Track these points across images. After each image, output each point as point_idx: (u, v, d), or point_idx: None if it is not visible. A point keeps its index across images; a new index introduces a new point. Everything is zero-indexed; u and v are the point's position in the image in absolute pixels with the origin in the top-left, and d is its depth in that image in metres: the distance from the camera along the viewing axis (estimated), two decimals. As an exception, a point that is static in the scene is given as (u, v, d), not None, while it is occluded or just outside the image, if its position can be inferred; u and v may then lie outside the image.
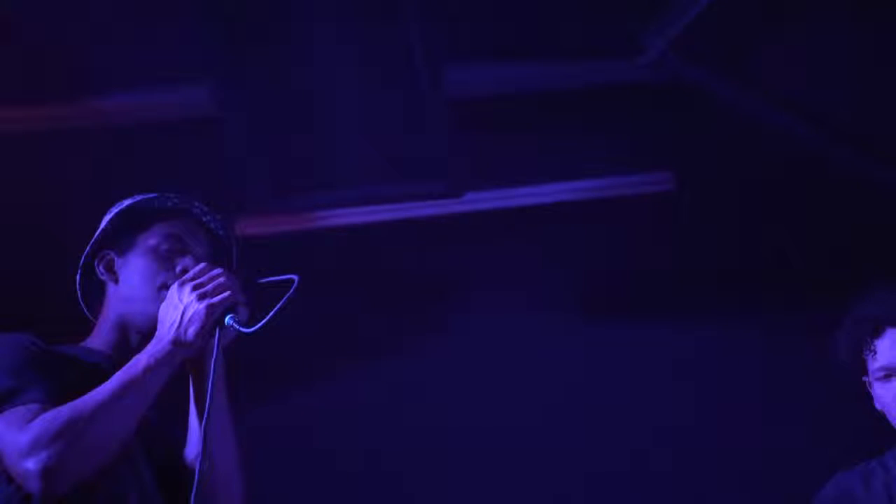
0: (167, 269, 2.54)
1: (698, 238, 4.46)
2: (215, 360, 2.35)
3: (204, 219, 2.66)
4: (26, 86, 3.85)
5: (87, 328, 2.62)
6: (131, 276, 2.56)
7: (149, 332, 2.46)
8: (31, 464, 2.19)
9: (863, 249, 4.46)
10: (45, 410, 2.24)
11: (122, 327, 2.55)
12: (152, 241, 2.59)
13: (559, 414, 4.44)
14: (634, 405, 4.49)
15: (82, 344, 2.58)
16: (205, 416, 2.33)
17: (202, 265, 2.45)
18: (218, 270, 2.42)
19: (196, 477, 2.24)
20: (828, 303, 4.42)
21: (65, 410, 2.23)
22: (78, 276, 2.63)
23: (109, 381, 2.30)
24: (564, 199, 4.41)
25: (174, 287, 2.41)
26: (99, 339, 2.57)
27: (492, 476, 4.42)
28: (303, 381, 4.21)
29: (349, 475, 4.34)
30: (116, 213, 2.63)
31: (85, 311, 2.66)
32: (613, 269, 4.53)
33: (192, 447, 2.45)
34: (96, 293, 2.63)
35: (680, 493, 4.40)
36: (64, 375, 2.36)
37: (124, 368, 2.32)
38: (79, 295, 2.65)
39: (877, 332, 3.03)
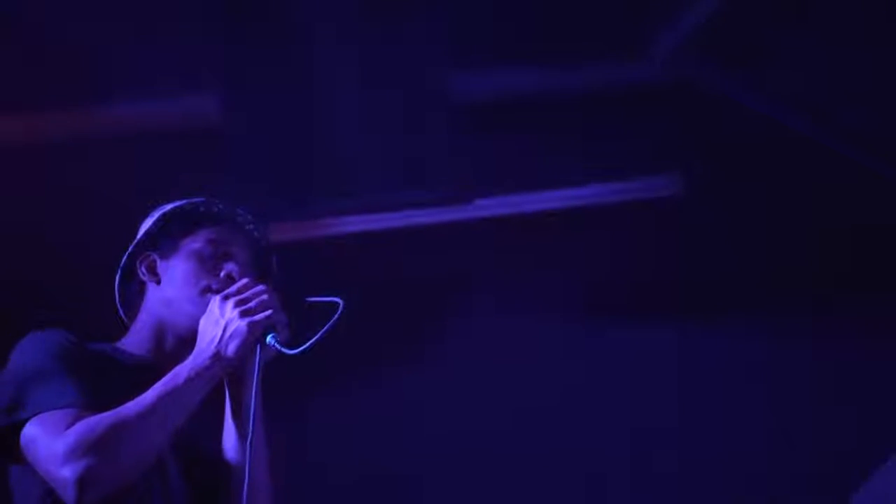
0: (211, 273, 2.54)
1: (705, 242, 4.44)
2: (257, 378, 2.35)
3: (247, 227, 2.66)
4: (30, 94, 3.83)
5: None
6: (174, 277, 2.55)
7: (187, 337, 2.47)
8: (68, 472, 2.18)
9: (873, 251, 4.46)
10: (81, 415, 2.23)
11: (160, 330, 2.55)
12: (196, 245, 2.58)
13: (565, 420, 4.44)
14: (639, 412, 4.49)
15: (117, 344, 2.58)
16: (249, 433, 2.33)
17: (246, 280, 2.44)
18: (261, 287, 2.41)
19: (244, 495, 2.24)
20: (835, 306, 4.48)
21: (104, 420, 2.22)
22: (117, 277, 2.62)
23: (149, 392, 2.29)
24: (572, 204, 4.40)
25: (216, 300, 2.40)
26: (135, 340, 2.57)
27: (497, 481, 4.43)
28: (309, 389, 4.20)
29: (354, 482, 4.34)
30: (161, 215, 2.62)
31: (121, 312, 2.65)
32: (619, 275, 4.52)
33: (227, 460, 2.45)
34: (134, 294, 2.62)
35: (684, 498, 4.42)
36: (100, 377, 2.36)
37: (164, 380, 2.32)
38: (116, 296, 2.64)
39: None
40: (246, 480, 2.27)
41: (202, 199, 2.64)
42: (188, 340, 2.46)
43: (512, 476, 4.43)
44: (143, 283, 2.61)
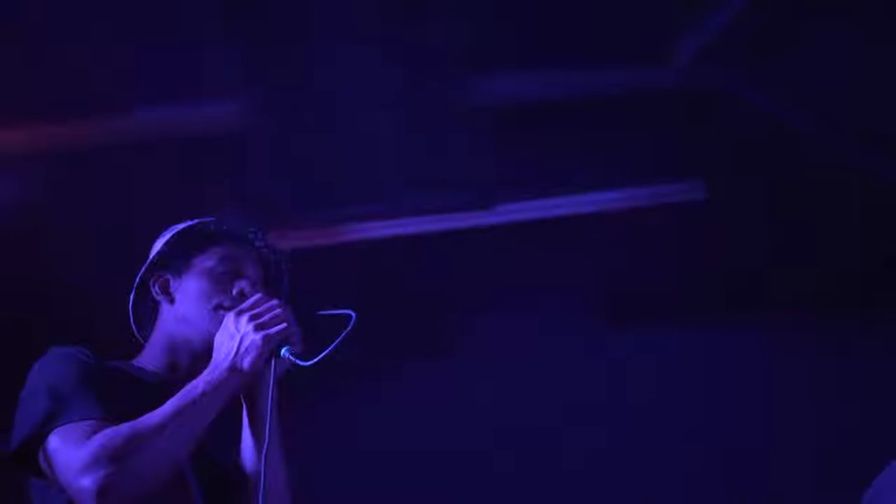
0: (223, 290, 2.59)
1: (727, 246, 4.48)
2: (272, 391, 2.39)
3: (257, 244, 2.70)
4: (50, 104, 3.87)
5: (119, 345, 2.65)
6: (187, 296, 2.61)
7: (202, 354, 2.52)
8: (88, 482, 2.22)
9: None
10: (101, 427, 2.28)
11: (175, 348, 2.59)
12: (209, 263, 2.63)
13: (589, 421, 4.48)
14: (664, 413, 4.51)
15: (133, 361, 2.63)
16: (264, 446, 2.37)
17: (259, 296, 2.49)
18: (274, 302, 2.47)
19: (260, 498, 2.28)
20: (861, 307, 4.50)
21: (123, 430, 2.27)
22: (131, 297, 2.67)
23: (167, 404, 2.34)
24: (594, 209, 4.42)
25: (231, 316, 2.45)
26: (150, 358, 2.61)
27: (515, 479, 4.47)
28: (327, 394, 4.24)
29: (372, 482, 4.37)
30: (173, 235, 2.67)
31: (135, 330, 2.69)
32: (639, 279, 4.55)
33: (244, 471, 2.50)
34: (148, 313, 2.67)
35: (708, 497, 4.42)
36: (118, 392, 2.41)
37: (181, 393, 2.37)
38: (131, 315, 2.68)
39: None
40: (261, 488, 2.31)
41: (212, 218, 2.69)
42: (202, 357, 2.51)
43: (533, 470, 4.48)
44: (156, 302, 2.66)
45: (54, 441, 2.30)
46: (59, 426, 2.30)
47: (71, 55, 3.67)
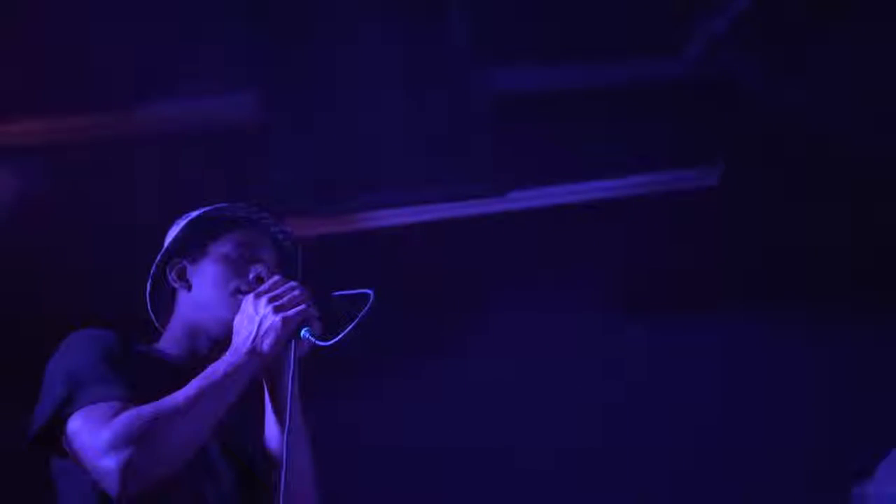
0: (240, 275, 2.61)
1: (743, 233, 4.48)
2: (292, 373, 2.40)
3: (272, 229, 2.72)
4: (67, 96, 3.87)
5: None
6: (204, 282, 2.62)
7: (221, 339, 2.54)
8: (111, 463, 2.23)
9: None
10: (124, 409, 2.29)
11: (194, 334, 2.61)
12: (224, 249, 2.65)
13: (600, 411, 4.47)
14: (677, 402, 4.51)
15: (154, 346, 2.64)
16: (286, 428, 2.38)
17: (277, 278, 2.51)
18: (292, 284, 2.48)
19: (281, 486, 2.29)
20: (877, 298, 4.50)
21: (146, 411, 2.28)
22: (148, 284, 2.68)
23: (188, 386, 2.36)
24: (607, 196, 4.43)
25: (249, 298, 2.47)
26: (170, 343, 2.63)
27: (530, 474, 4.46)
28: (342, 382, 4.24)
29: (387, 473, 4.37)
30: (188, 223, 2.68)
31: (153, 318, 2.71)
32: (653, 266, 4.55)
33: (269, 453, 2.52)
34: (165, 301, 2.68)
35: (727, 492, 4.43)
36: (141, 375, 2.42)
37: (202, 375, 2.38)
38: (148, 302, 2.69)
39: None
40: (283, 469, 2.33)
41: (226, 204, 2.70)
42: (222, 342, 2.53)
43: (547, 464, 4.46)
44: (173, 290, 2.67)
45: (76, 422, 2.31)
46: (81, 407, 2.31)
47: (73, 47, 3.67)
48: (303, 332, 2.43)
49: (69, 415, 2.32)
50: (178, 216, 2.71)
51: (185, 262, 2.66)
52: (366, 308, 2.43)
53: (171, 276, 2.66)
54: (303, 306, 2.44)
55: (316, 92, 3.98)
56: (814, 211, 4.41)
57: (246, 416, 2.56)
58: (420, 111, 4.04)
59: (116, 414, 2.28)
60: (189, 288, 2.64)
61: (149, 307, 2.70)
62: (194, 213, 2.70)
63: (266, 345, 2.41)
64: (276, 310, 2.42)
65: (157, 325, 2.70)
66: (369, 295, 2.45)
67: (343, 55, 3.90)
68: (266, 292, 2.46)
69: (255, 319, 2.43)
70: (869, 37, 3.95)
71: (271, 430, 2.52)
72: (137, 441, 2.24)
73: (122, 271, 3.48)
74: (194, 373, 2.41)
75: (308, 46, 3.86)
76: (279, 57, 3.89)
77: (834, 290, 4.53)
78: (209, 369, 2.40)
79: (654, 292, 4.62)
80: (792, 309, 4.55)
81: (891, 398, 4.42)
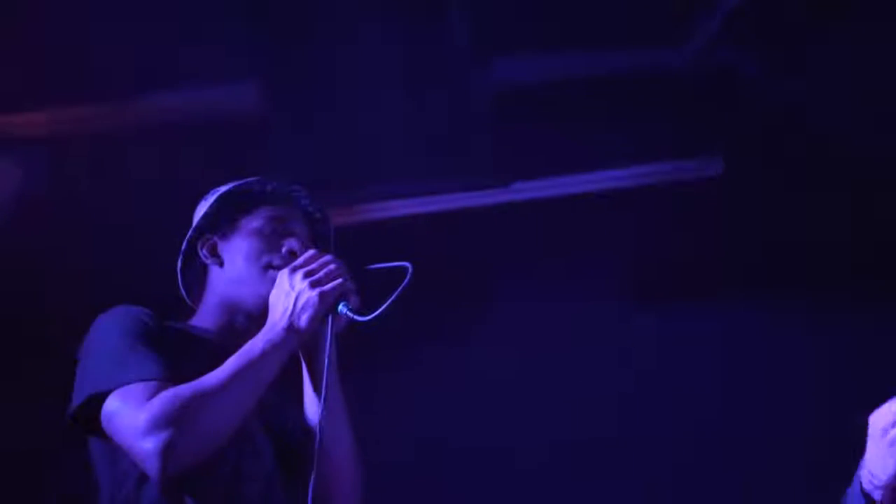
0: (273, 249, 2.56)
1: (745, 224, 4.45)
2: (329, 348, 2.36)
3: (303, 203, 2.68)
4: (71, 86, 3.82)
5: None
6: (236, 257, 2.57)
7: (254, 313, 2.50)
8: (151, 444, 2.20)
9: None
10: (162, 388, 2.26)
11: (228, 309, 2.57)
12: (256, 224, 2.60)
13: (609, 401, 4.41)
14: (684, 392, 4.46)
15: (189, 322, 2.60)
16: (322, 403, 2.34)
17: (312, 252, 2.47)
18: (328, 257, 2.44)
19: (314, 463, 2.26)
20: (877, 290, 4.49)
21: (185, 391, 2.25)
22: (179, 261, 2.64)
23: (226, 364, 2.32)
24: (610, 186, 4.39)
25: (285, 273, 2.42)
26: (204, 320, 2.59)
27: (535, 462, 4.41)
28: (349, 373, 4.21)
29: (399, 464, 4.33)
30: (218, 198, 2.64)
31: (184, 295, 2.66)
32: (660, 256, 4.50)
33: (308, 428, 2.47)
34: (197, 278, 2.64)
35: (731, 480, 4.41)
36: (178, 353, 2.38)
37: (240, 353, 2.34)
38: (179, 280, 2.65)
39: None
40: (317, 445, 2.29)
41: (256, 178, 2.66)
42: (256, 317, 2.49)
43: (555, 454, 4.41)
44: (204, 266, 2.63)
45: (114, 402, 2.27)
46: (119, 387, 2.27)
47: (86, 37, 3.63)
48: (340, 307, 2.39)
49: (107, 395, 2.28)
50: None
51: (215, 238, 2.62)
52: (405, 281, 2.39)
53: (203, 253, 2.62)
54: (340, 280, 2.39)
55: (316, 91, 3.94)
56: (814, 201, 4.37)
57: (284, 393, 2.52)
58: (421, 101, 4.00)
59: (155, 394, 2.24)
60: (221, 264, 2.60)
61: (180, 284, 2.66)
62: (224, 188, 2.66)
63: (303, 320, 2.36)
64: (313, 284, 2.37)
65: (188, 302, 2.66)
66: (407, 268, 2.42)
67: (344, 45, 3.85)
68: (302, 266, 2.41)
69: (291, 295, 2.38)
70: (869, 33, 3.91)
71: (310, 407, 2.47)
72: (177, 422, 2.20)
73: (124, 263, 3.48)
74: (230, 350, 2.37)
75: (308, 36, 3.81)
76: (279, 49, 3.84)
77: (834, 279, 4.50)
78: (246, 347, 2.36)
79: (656, 282, 4.58)
80: (793, 298, 4.51)
81: (891, 387, 4.41)
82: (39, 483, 4.24)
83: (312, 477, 2.25)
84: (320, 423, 2.33)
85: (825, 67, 4.04)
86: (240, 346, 2.37)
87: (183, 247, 2.63)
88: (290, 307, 2.37)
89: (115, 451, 2.31)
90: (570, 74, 4.12)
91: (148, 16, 3.61)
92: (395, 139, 4.11)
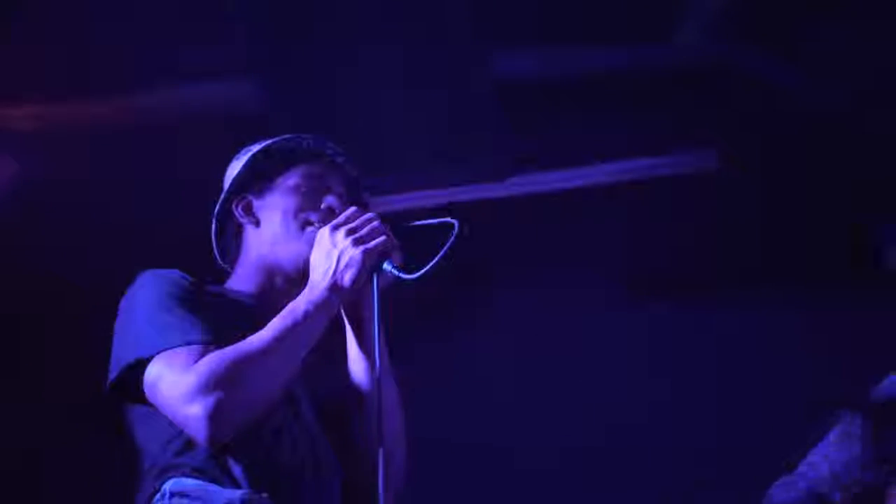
0: (311, 207, 2.47)
1: (741, 217, 4.40)
2: (377, 307, 2.29)
3: (338, 159, 2.59)
4: (69, 83, 3.76)
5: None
6: (273, 216, 2.48)
7: (293, 273, 2.42)
8: (196, 409, 2.12)
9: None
10: (207, 352, 2.18)
11: (266, 271, 2.48)
12: (293, 181, 2.51)
13: (605, 394, 4.34)
14: (679, 386, 4.39)
15: (226, 285, 2.52)
16: (375, 363, 2.28)
17: (354, 209, 2.38)
18: (371, 214, 2.36)
19: (380, 426, 2.20)
20: (874, 285, 4.45)
21: (229, 354, 2.17)
22: (213, 223, 2.56)
23: (269, 326, 2.24)
24: (607, 181, 4.36)
25: (326, 231, 2.34)
26: (243, 282, 2.50)
27: (530, 456, 4.34)
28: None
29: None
30: (251, 156, 2.55)
31: (219, 259, 2.59)
32: (656, 250, 4.46)
33: (354, 392, 2.39)
34: (232, 240, 2.56)
35: (725, 473, 4.36)
36: (218, 316, 2.30)
37: (283, 314, 2.26)
38: (214, 243, 2.57)
39: None
40: (379, 409, 2.22)
41: (291, 135, 2.57)
42: (295, 279, 2.40)
43: (549, 447, 4.34)
44: (240, 227, 2.54)
45: (156, 368, 2.19)
46: (161, 352, 2.19)
47: (84, 34, 3.58)
48: (385, 265, 2.30)
49: (148, 361, 2.20)
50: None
51: (250, 197, 2.53)
52: (452, 237, 2.31)
53: (238, 212, 2.53)
54: (383, 237, 2.31)
55: (315, 75, 3.88)
56: (811, 195, 4.33)
57: (328, 355, 2.44)
58: (420, 96, 3.96)
59: (199, 358, 2.16)
60: (257, 223, 2.50)
61: (215, 247, 2.58)
62: (257, 146, 2.56)
63: (347, 279, 2.28)
64: (356, 242, 2.29)
65: (221, 263, 2.58)
66: (453, 224, 2.34)
67: (344, 40, 3.80)
68: (343, 224, 2.33)
69: (333, 253, 2.29)
70: (868, 22, 3.87)
71: (355, 369, 2.39)
72: (223, 385, 2.12)
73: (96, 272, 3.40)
74: (270, 313, 2.29)
75: (308, 33, 3.77)
76: (278, 45, 3.80)
77: (832, 274, 4.46)
78: (289, 308, 2.27)
79: (655, 276, 4.54)
80: (790, 293, 4.47)
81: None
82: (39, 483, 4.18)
83: (381, 444, 2.18)
84: (374, 383, 2.26)
85: (820, 59, 4.02)
86: (279, 308, 2.29)
87: (216, 208, 2.55)
88: (333, 266, 2.29)
89: (156, 418, 2.22)
90: (566, 69, 4.08)
91: (145, 15, 3.56)
92: (395, 134, 4.04)
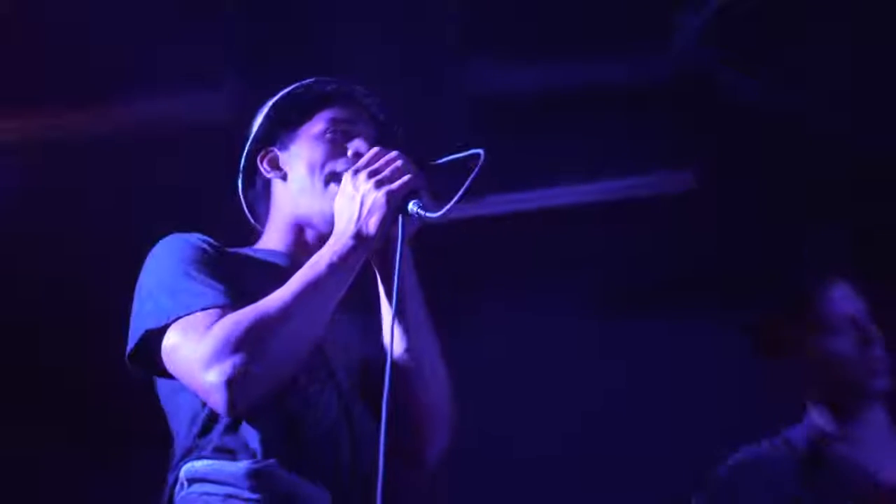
0: (338, 155, 2.31)
1: (720, 237, 4.26)
2: (401, 251, 2.11)
3: (365, 101, 2.42)
4: (49, 91, 3.66)
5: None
6: (300, 167, 2.33)
7: (327, 229, 2.23)
8: (213, 376, 1.97)
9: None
10: (224, 315, 2.03)
11: (297, 226, 2.33)
12: (318, 129, 2.36)
13: (589, 402, 4.23)
14: (654, 407, 4.26)
15: (256, 246, 2.38)
16: (393, 311, 2.09)
17: (376, 149, 2.21)
18: (394, 153, 2.18)
19: (386, 376, 2.01)
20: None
21: (247, 314, 2.01)
22: (240, 180, 2.42)
23: (290, 282, 2.08)
24: (585, 200, 4.23)
25: (348, 176, 2.18)
26: (272, 240, 2.36)
27: (504, 474, 4.24)
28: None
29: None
30: (273, 105, 2.40)
31: (249, 217, 2.45)
32: (633, 271, 4.37)
33: (387, 343, 2.18)
34: (260, 196, 2.42)
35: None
36: (241, 277, 2.16)
37: (306, 267, 2.11)
38: (242, 201, 2.43)
39: None
40: (389, 363, 2.04)
41: (314, 79, 2.41)
42: (327, 233, 2.22)
43: (522, 466, 4.26)
44: (267, 181, 2.39)
45: (173, 335, 2.05)
46: (177, 318, 2.06)
47: (63, 41, 3.46)
48: (411, 206, 2.13)
49: (165, 328, 2.07)
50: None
51: (275, 150, 2.38)
52: (476, 169, 2.12)
53: (264, 167, 2.38)
54: (407, 177, 2.13)
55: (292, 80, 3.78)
56: (793, 216, 4.21)
57: (359, 309, 2.28)
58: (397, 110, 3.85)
59: (215, 322, 2.02)
60: (284, 177, 2.36)
61: (243, 205, 2.44)
62: (277, 96, 2.40)
63: (371, 225, 2.11)
64: (378, 184, 2.12)
65: (251, 221, 2.44)
66: (479, 154, 2.14)
67: (324, 50, 3.63)
68: (365, 167, 2.16)
69: (356, 198, 2.13)
70: (855, 33, 3.72)
71: (389, 320, 2.18)
72: (241, 348, 1.97)
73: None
74: (300, 267, 2.13)
75: (288, 42, 3.63)
76: (259, 53, 3.65)
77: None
78: (311, 261, 2.11)
79: (631, 297, 4.44)
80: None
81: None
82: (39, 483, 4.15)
83: (385, 400, 1.98)
84: (392, 333, 2.08)
85: (804, 76, 3.89)
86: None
87: (241, 164, 2.41)
88: (356, 212, 2.12)
89: (181, 393, 2.10)
90: (548, 85, 3.93)
91: (139, 14, 3.45)
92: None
